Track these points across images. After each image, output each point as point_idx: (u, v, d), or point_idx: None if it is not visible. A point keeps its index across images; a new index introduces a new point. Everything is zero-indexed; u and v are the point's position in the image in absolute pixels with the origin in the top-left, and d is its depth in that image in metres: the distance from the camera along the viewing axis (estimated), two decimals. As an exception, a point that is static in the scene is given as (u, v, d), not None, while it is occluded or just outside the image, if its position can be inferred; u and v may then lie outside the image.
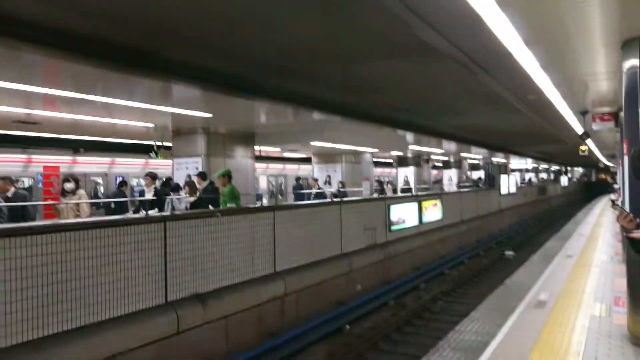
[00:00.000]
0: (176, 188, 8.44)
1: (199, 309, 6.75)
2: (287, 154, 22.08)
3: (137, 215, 7.07)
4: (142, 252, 6.12)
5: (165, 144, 12.59)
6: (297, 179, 19.17)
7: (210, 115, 9.87)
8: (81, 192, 8.91)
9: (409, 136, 15.80)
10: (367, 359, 7.64)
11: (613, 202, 19.53)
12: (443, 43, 5.28)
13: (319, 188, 13.25)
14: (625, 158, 5.22)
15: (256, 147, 13.86)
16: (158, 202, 8.06)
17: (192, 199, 8.58)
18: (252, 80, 8.04)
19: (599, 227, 15.88)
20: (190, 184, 9.12)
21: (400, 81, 8.59)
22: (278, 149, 18.42)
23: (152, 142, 12.11)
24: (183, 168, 11.58)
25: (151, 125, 11.16)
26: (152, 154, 12.15)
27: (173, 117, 10.24)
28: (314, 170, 18.18)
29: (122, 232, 5.90)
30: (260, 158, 19.33)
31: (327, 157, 17.65)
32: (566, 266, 8.95)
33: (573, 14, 4.35)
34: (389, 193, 19.27)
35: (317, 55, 6.86)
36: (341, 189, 14.96)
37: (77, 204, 8.52)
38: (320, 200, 12.99)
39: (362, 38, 5.98)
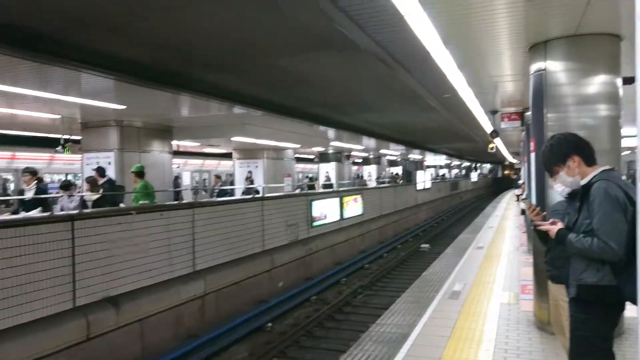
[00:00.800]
0: (66, 186, 7.74)
1: (111, 312, 6.36)
2: (207, 150, 21.51)
3: (42, 214, 6.50)
4: (47, 254, 5.65)
5: (74, 137, 11.73)
6: (217, 176, 18.78)
7: (124, 107, 9.31)
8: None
9: (331, 132, 15.95)
10: (290, 357, 7.59)
11: (518, 197, 20.98)
12: (365, 39, 5.32)
13: (222, 185, 12.85)
14: (532, 155, 5.56)
15: (174, 142, 13.35)
16: (40, 201, 7.30)
17: (95, 196, 8.00)
18: (170, 71, 7.67)
19: (505, 220, 16.98)
20: (91, 180, 8.53)
21: (322, 77, 8.60)
22: (197, 144, 17.88)
23: (59, 136, 11.21)
24: (94, 163, 10.84)
25: (57, 116, 10.34)
26: (60, 148, 11.26)
27: (82, 108, 9.55)
28: (235, 166, 17.83)
29: (23, 232, 5.40)
30: (180, 153, 18.71)
31: (249, 152, 17.38)
32: (478, 257, 9.46)
33: (484, 19, 4.54)
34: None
35: (240, 47, 6.67)
36: (249, 186, 14.27)
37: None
38: (242, 197, 12.77)
39: (285, 30, 5.89)
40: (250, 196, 11.60)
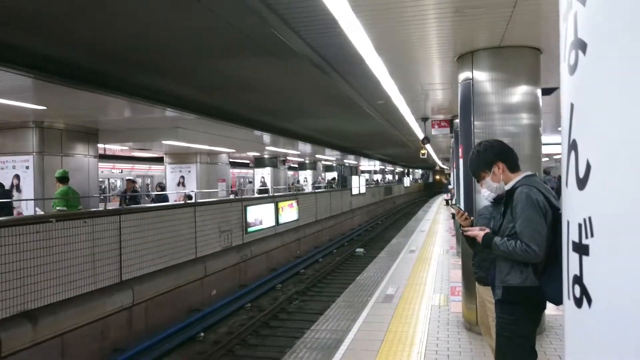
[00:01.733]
0: None
1: (27, 328, 5.90)
2: (137, 153, 20.67)
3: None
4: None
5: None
6: (131, 180, 18.19)
7: (43, 107, 8.72)
8: None
9: (266, 137, 15.82)
10: (223, 366, 7.40)
11: (447, 201, 21.81)
12: (300, 44, 5.29)
13: (134, 191, 11.91)
14: (460, 161, 5.76)
15: (100, 145, 12.70)
16: None
17: None
18: (96, 71, 7.27)
19: (435, 223, 17.58)
20: None
21: (257, 80, 8.49)
22: (126, 147, 17.14)
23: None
24: (9, 167, 10.08)
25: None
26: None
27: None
28: (167, 171, 17.25)
29: None
30: (107, 157, 17.83)
31: (181, 156, 16.87)
32: (410, 261, 9.69)
33: (415, 28, 4.66)
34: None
35: (169, 48, 6.45)
36: (158, 192, 13.29)
37: None
38: (173, 202, 12.35)
39: (217, 35, 5.75)
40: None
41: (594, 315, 0.76)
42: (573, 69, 0.84)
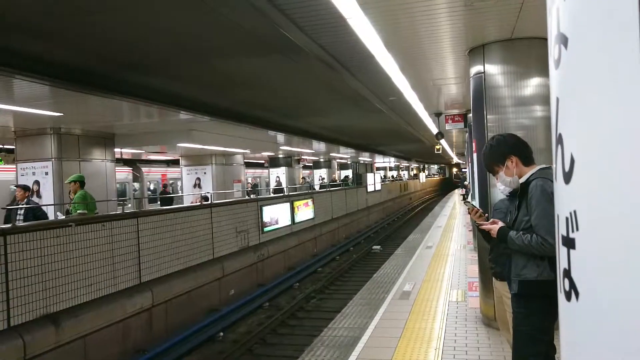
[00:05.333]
0: None
1: (50, 331, 6.02)
2: (153, 157, 20.90)
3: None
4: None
5: (7, 146, 11.10)
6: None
7: (60, 114, 8.88)
8: None
9: (280, 137, 15.87)
10: (243, 365, 7.46)
11: (464, 196, 21.63)
12: (309, 43, 5.30)
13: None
14: (474, 155, 5.72)
15: (117, 149, 12.87)
16: None
17: None
18: (108, 76, 7.37)
19: (452, 219, 17.46)
20: None
21: (269, 80, 8.52)
22: (142, 151, 17.35)
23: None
24: (29, 173, 10.27)
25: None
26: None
27: (15, 116, 9.04)
28: (182, 173, 17.41)
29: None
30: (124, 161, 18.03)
31: (196, 158, 17.01)
32: (427, 257, 9.64)
33: (425, 23, 4.64)
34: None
35: (180, 51, 6.50)
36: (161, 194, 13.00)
37: None
38: (190, 204, 12.47)
39: (227, 35, 5.79)
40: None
41: (581, 309, 0.76)
42: (557, 63, 0.85)
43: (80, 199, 7.51)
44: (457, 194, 33.26)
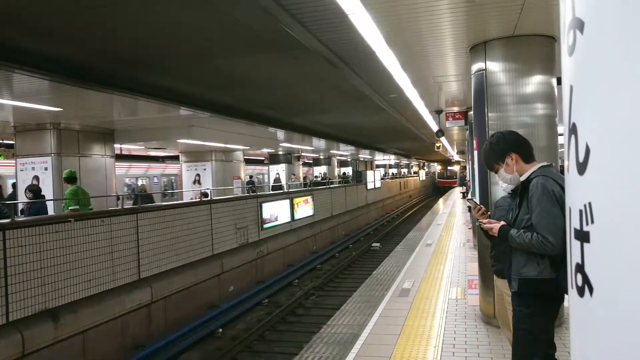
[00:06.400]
0: None
1: (49, 326, 6.02)
2: (152, 153, 20.86)
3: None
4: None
5: (7, 141, 11.08)
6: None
7: (60, 109, 8.85)
8: None
9: (280, 134, 15.84)
10: (241, 362, 7.46)
11: (464, 194, 21.63)
12: (310, 39, 5.28)
13: None
14: (475, 153, 5.70)
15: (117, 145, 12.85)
16: None
17: None
18: (108, 72, 7.35)
19: (452, 216, 17.44)
20: None
21: (269, 77, 8.50)
22: (142, 147, 17.32)
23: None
24: (29, 169, 10.25)
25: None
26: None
27: (15, 111, 9.01)
28: (182, 169, 17.38)
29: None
30: (123, 157, 18.01)
31: (196, 155, 16.99)
32: (426, 254, 9.63)
33: (427, 20, 4.61)
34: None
35: (180, 48, 6.48)
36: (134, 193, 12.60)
37: None
38: (190, 200, 12.45)
39: (228, 32, 5.76)
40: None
41: (595, 304, 0.74)
42: (572, 49, 0.82)
43: (71, 194, 7.49)
44: (457, 191, 33.13)
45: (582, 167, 0.78)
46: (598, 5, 0.72)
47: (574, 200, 0.85)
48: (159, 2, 4.90)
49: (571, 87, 0.83)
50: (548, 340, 2.72)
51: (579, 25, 0.78)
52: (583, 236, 0.79)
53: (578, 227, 0.81)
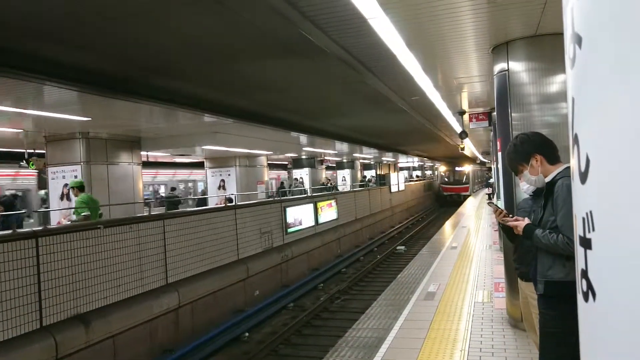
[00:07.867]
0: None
1: (80, 330, 6.17)
2: (177, 159, 21.20)
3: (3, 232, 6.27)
4: (10, 273, 5.44)
5: (38, 151, 11.40)
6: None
7: (88, 118, 9.09)
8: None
9: (303, 138, 15.92)
10: (268, 366, 7.51)
11: (489, 196, 21.33)
12: (330, 44, 5.31)
13: None
14: (499, 154, 5.64)
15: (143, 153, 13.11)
16: None
17: None
18: (133, 81, 7.52)
19: (478, 218, 17.22)
20: None
21: (292, 83, 8.56)
22: (167, 154, 17.62)
23: (23, 150, 10.90)
24: (59, 177, 10.54)
25: (20, 130, 10.04)
26: (24, 163, 10.95)
27: (46, 121, 9.29)
28: (207, 175, 17.62)
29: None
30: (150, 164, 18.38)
31: (221, 160, 17.20)
32: (452, 257, 9.54)
33: (448, 22, 4.60)
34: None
35: (202, 55, 6.59)
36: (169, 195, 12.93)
37: None
38: (214, 206, 12.62)
39: (250, 39, 5.84)
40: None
41: (598, 310, 0.75)
42: (572, 62, 0.84)
43: (80, 203, 7.67)
44: (482, 192, 32.62)
45: (583, 177, 0.80)
46: (592, 21, 0.73)
47: (578, 208, 0.87)
48: (180, 12, 5.00)
49: (573, 99, 0.85)
50: (575, 344, 2.67)
51: (577, 40, 0.79)
52: (586, 243, 0.81)
53: (582, 235, 0.83)
